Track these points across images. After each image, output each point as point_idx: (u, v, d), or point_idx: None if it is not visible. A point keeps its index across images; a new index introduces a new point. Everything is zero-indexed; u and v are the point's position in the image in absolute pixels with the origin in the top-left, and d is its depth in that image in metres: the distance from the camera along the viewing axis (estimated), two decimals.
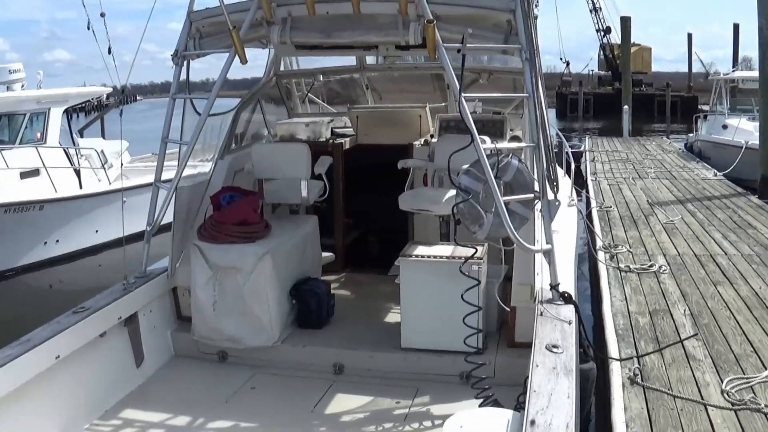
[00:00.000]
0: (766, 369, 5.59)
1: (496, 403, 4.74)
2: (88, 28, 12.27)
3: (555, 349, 4.29)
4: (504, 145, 5.03)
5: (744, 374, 5.50)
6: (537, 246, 5.04)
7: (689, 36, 65.38)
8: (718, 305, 7.23)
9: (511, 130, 7.45)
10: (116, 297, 5.14)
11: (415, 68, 8.49)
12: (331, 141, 7.64)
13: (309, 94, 8.60)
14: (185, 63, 5.39)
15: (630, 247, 9.82)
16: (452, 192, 6.21)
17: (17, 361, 4.09)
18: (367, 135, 8.04)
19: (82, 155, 14.71)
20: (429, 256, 5.44)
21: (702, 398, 5.08)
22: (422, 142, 7.52)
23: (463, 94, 4.66)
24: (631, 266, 8.70)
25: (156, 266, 5.83)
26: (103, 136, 16.98)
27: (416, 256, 5.46)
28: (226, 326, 5.50)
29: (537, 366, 4.06)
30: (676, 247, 9.89)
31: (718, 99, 24.69)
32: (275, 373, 5.46)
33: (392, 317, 6.21)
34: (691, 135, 27.31)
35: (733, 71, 27.63)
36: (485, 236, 5.01)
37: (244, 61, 5.01)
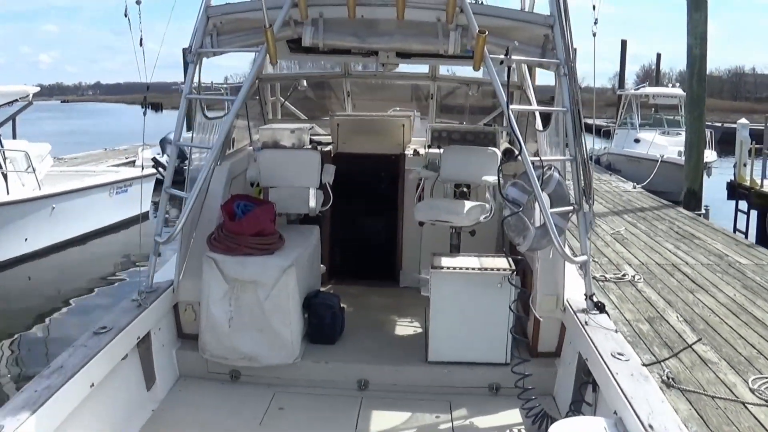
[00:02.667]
0: None
1: (546, 414, 4.77)
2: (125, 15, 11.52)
3: (621, 356, 4.34)
4: (548, 158, 5.05)
5: (761, 374, 5.73)
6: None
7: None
8: (705, 312, 7.54)
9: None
10: (134, 315, 4.80)
11: (400, 77, 8.45)
12: (320, 149, 7.50)
13: (286, 101, 8.41)
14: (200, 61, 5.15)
15: (593, 258, 10.10)
16: (471, 203, 6.24)
17: (59, 394, 3.71)
18: (345, 143, 7.93)
19: (6, 158, 13.76)
20: (460, 268, 5.39)
21: (737, 397, 5.25)
22: (413, 152, 7.49)
23: (510, 107, 4.68)
24: (607, 276, 8.94)
25: (159, 279, 5.49)
26: (14, 137, 16.04)
27: (447, 267, 5.39)
28: (242, 344, 5.23)
29: (617, 373, 4.09)
30: (636, 258, 10.25)
31: (628, 113, 25.97)
32: (298, 391, 5.23)
33: (406, 330, 6.14)
34: (597, 148, 28.58)
35: (640, 87, 29.14)
36: (527, 248, 5.03)
37: (275, 61, 4.83)
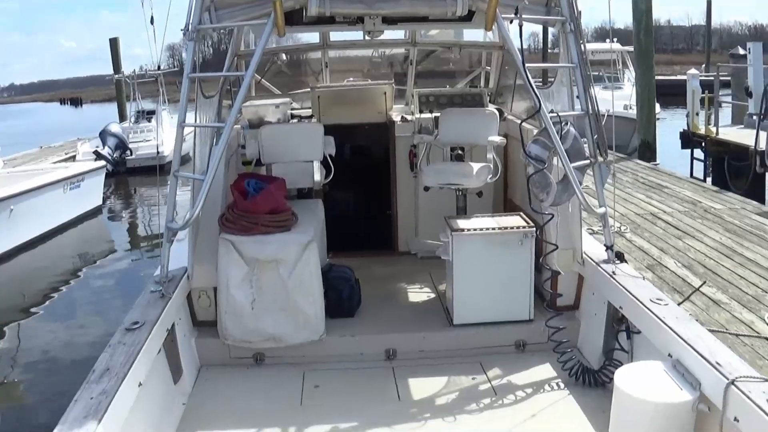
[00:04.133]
0: None
1: (582, 366, 4.87)
2: None
3: (660, 302, 4.45)
4: (565, 113, 5.10)
5: None
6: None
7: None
8: (699, 256, 7.76)
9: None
10: (161, 307, 4.65)
11: (381, 44, 8.36)
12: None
13: (262, 79, 8.26)
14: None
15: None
16: (478, 165, 6.25)
17: (116, 398, 3.54)
18: (327, 115, 7.85)
19: None
20: (481, 229, 5.42)
21: (758, 333, 5.44)
22: (401, 119, 7.46)
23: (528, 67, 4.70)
24: (593, 228, 9.07)
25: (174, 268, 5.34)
26: None
27: (468, 230, 5.40)
28: (266, 325, 5.15)
29: (664, 317, 4.19)
30: (614, 210, 10.43)
31: None
32: (328, 368, 5.20)
33: (420, 296, 6.19)
34: None
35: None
36: (551, 203, 5.08)
37: (282, 33, 4.71)
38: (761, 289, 6.58)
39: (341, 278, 5.69)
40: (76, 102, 72.70)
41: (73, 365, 8.52)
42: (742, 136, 15.13)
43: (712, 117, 16.48)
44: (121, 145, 20.62)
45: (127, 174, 21.25)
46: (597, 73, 26.55)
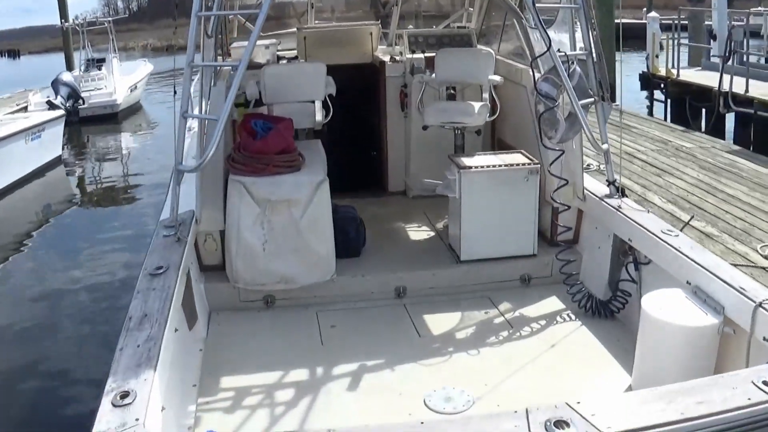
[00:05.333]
0: None
1: (591, 296, 4.99)
2: None
3: (671, 232, 4.57)
4: (573, 53, 5.13)
5: (763, 242, 6.14)
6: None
7: None
8: (681, 192, 7.97)
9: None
10: (180, 251, 4.54)
11: None
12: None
13: (247, 21, 8.06)
14: None
15: None
16: (479, 104, 6.26)
17: (164, 344, 3.42)
18: (311, 56, 7.74)
19: None
20: (487, 166, 5.46)
21: (753, 263, 5.63)
22: (390, 59, 7.39)
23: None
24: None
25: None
26: None
27: (476, 167, 5.43)
28: (278, 267, 5.11)
29: (680, 246, 4.33)
30: (588, 149, 10.56)
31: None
32: (340, 308, 5.22)
33: (422, 234, 6.25)
34: None
35: None
36: (558, 140, 5.14)
37: None
38: (747, 222, 6.78)
39: (348, 218, 5.68)
40: (13, 54, 70.10)
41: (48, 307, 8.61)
42: (702, 77, 15.42)
43: (671, 59, 16.72)
44: (74, 95, 20.00)
45: (80, 123, 20.69)
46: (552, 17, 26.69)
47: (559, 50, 5.10)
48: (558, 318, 5.01)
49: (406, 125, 7.24)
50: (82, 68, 22.99)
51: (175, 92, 4.70)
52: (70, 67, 27.04)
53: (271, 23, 8.72)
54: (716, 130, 13.65)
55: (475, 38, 7.53)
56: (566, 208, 5.28)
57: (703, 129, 13.97)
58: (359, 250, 5.73)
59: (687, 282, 4.14)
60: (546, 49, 4.82)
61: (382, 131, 7.47)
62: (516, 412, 2.60)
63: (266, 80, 5.96)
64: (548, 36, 4.81)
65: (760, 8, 17.79)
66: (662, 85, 16.57)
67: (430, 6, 8.43)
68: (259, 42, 7.50)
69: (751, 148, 11.78)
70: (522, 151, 5.77)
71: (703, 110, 15.07)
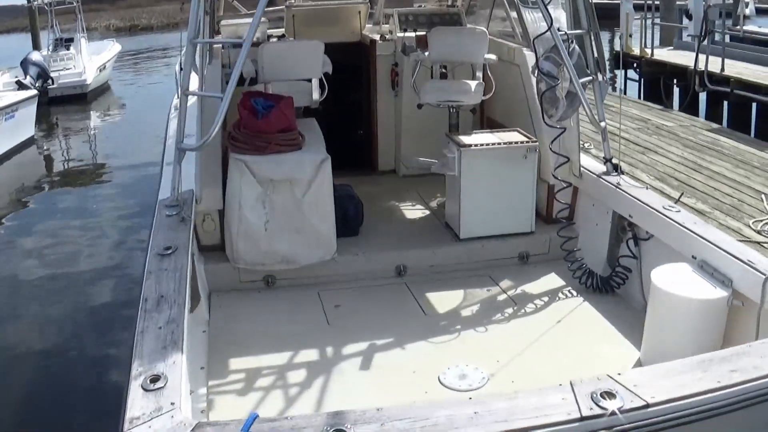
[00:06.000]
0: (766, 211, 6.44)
1: (592, 272, 5.04)
2: None
3: (672, 208, 4.67)
4: (571, 32, 5.15)
5: (754, 217, 6.26)
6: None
7: None
8: (668, 170, 8.06)
9: None
10: (186, 231, 4.45)
11: None
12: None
13: None
14: None
15: None
16: (475, 82, 6.24)
17: (186, 327, 3.35)
18: (299, 34, 7.66)
19: None
20: (486, 144, 5.46)
21: (748, 238, 5.72)
22: (380, 38, 7.34)
23: None
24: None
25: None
26: None
27: (475, 145, 5.43)
28: (279, 246, 5.07)
29: (683, 222, 4.43)
30: (619, 123, 10.60)
31: None
32: (342, 287, 5.20)
33: (417, 212, 6.27)
34: None
35: None
36: (558, 118, 5.16)
37: None
38: (736, 198, 6.89)
39: (346, 196, 5.65)
40: None
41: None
42: (675, 56, 15.55)
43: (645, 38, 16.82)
44: (43, 75, 19.60)
45: (48, 104, 20.31)
46: None
47: (559, 29, 5.11)
48: (560, 294, 5.07)
49: (397, 104, 7.22)
50: (51, 48, 22.49)
51: (181, 68, 4.61)
52: (37, 46, 26.43)
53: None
54: (691, 108, 13.81)
55: (464, 17, 7.52)
56: (567, 185, 5.32)
57: (677, 108, 14.12)
58: (358, 229, 5.72)
59: (693, 257, 4.20)
60: (548, 28, 4.85)
61: (372, 110, 7.44)
62: (561, 385, 2.61)
63: (264, 58, 5.87)
64: (550, 15, 4.83)
65: None
66: (636, 65, 16.68)
67: None
68: (247, 20, 7.41)
69: (726, 126, 11.97)
70: (518, 129, 5.79)
71: (677, 89, 15.23)
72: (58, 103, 20.55)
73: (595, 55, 5.26)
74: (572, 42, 5.13)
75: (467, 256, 5.50)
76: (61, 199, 12.67)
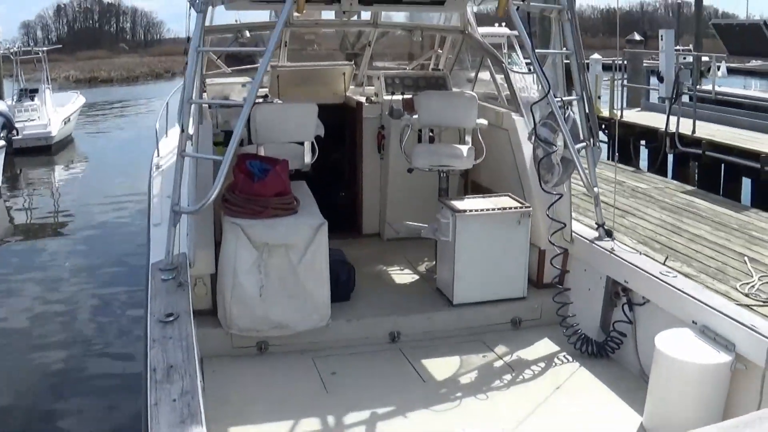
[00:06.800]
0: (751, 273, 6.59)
1: (587, 338, 5.09)
2: None
3: (669, 273, 4.79)
4: (567, 98, 5.29)
5: (740, 280, 6.41)
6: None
7: None
8: (649, 233, 8.22)
9: None
10: (185, 297, 4.32)
11: (343, 25, 8.25)
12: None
13: (219, 58, 7.97)
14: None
15: None
16: (466, 146, 6.33)
17: (202, 400, 3.26)
18: (284, 95, 7.72)
19: None
20: (481, 209, 5.52)
21: (736, 301, 5.84)
22: (366, 101, 7.43)
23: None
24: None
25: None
26: None
27: (470, 210, 5.49)
28: (273, 312, 5.02)
29: (683, 288, 4.54)
30: (614, 186, 10.74)
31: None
32: (336, 353, 5.16)
33: (407, 277, 6.30)
34: None
35: None
36: (553, 184, 5.26)
37: (302, 9, 4.59)
38: (720, 261, 7.03)
39: (339, 261, 5.64)
40: None
41: None
42: (644, 118, 15.96)
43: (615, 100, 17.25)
44: (8, 125, 19.38)
45: (12, 155, 20.07)
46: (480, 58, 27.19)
47: (555, 95, 5.25)
48: (556, 360, 5.10)
49: (383, 167, 7.27)
50: (15, 98, 22.33)
51: (182, 130, 4.61)
52: (0, 96, 26.25)
53: (238, 59, 8.65)
54: (660, 170, 14.16)
55: (450, 81, 7.66)
56: (563, 250, 5.38)
57: (647, 169, 14.46)
58: (349, 294, 5.70)
59: (693, 321, 4.30)
60: (545, 94, 4.97)
61: (357, 173, 7.47)
62: None
63: (257, 120, 5.90)
64: (548, 81, 4.96)
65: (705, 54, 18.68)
66: (604, 126, 17.05)
67: (397, 48, 8.50)
68: (233, 80, 7.47)
69: (696, 187, 12.29)
70: (509, 194, 5.87)
71: (645, 150, 15.61)
72: (22, 155, 20.34)
73: (588, 121, 5.40)
74: (567, 108, 5.27)
75: (460, 322, 5.52)
76: (20, 252, 12.50)
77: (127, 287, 9.76)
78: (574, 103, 5.31)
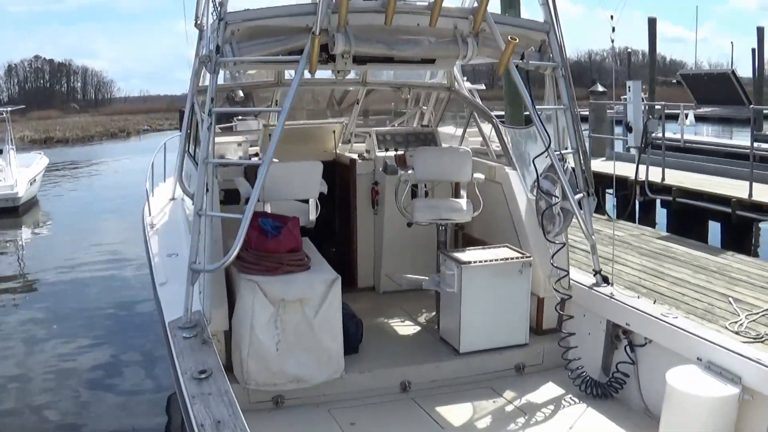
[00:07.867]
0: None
1: (593, 381, 5.36)
2: None
3: (670, 314, 5.12)
4: (565, 152, 5.64)
5: (727, 320, 6.75)
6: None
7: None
8: (633, 278, 8.58)
9: None
10: (214, 353, 4.44)
11: (333, 84, 8.55)
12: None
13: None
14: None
15: None
16: (464, 200, 6.61)
17: None
18: (275, 153, 7.94)
19: None
20: (485, 261, 5.79)
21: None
22: (359, 157, 7.71)
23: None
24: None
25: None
26: None
27: (475, 262, 5.76)
28: (289, 366, 5.18)
29: (685, 327, 4.89)
30: (613, 234, 11.05)
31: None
32: (351, 405, 5.32)
33: (409, 328, 6.54)
34: None
35: None
36: (555, 234, 5.58)
37: (315, 69, 4.87)
38: (706, 303, 7.39)
39: (347, 315, 5.81)
40: None
41: None
42: (611, 167, 16.49)
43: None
44: None
45: None
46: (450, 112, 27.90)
47: (555, 149, 5.59)
48: (563, 402, 5.36)
49: (377, 222, 7.52)
50: None
51: (207, 189, 4.82)
52: None
53: (224, 120, 8.92)
54: (630, 217, 14.67)
55: (438, 136, 8.00)
56: (568, 297, 5.66)
57: (615, 216, 14.96)
58: (357, 346, 5.88)
59: (698, 358, 4.61)
60: (546, 148, 5.30)
61: (351, 228, 7.70)
62: None
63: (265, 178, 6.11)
64: (549, 136, 5.30)
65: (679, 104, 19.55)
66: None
67: (382, 104, 8.86)
68: (229, 139, 7.71)
69: (667, 231, 12.77)
70: (507, 245, 6.16)
71: (613, 199, 16.12)
72: None
73: (584, 172, 5.73)
74: (566, 161, 5.61)
75: (468, 370, 5.74)
76: None
77: (96, 350, 9.74)
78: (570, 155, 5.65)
